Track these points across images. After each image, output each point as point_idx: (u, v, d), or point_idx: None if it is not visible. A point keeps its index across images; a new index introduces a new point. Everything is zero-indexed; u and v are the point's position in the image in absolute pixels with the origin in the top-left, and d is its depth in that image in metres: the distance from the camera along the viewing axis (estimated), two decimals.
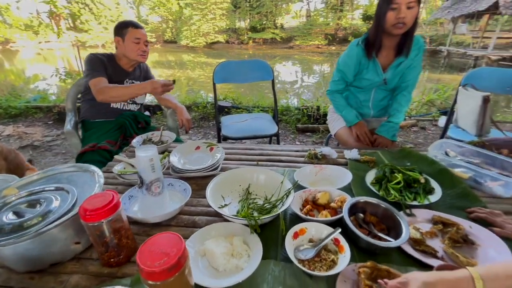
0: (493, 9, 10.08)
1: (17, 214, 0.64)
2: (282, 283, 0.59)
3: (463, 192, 0.90)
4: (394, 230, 0.71)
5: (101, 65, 1.48)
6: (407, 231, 0.67)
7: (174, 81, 1.38)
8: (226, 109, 3.26)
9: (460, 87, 1.69)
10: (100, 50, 4.23)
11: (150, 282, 0.45)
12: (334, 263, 0.63)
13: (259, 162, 1.14)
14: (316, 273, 0.59)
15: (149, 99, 3.38)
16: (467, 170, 0.99)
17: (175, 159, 1.04)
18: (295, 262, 0.61)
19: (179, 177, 0.97)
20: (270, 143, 2.14)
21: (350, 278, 0.60)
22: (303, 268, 0.60)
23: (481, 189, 0.94)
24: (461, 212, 0.82)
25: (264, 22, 24.41)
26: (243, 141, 2.29)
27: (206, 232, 0.70)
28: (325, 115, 3.06)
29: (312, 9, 26.51)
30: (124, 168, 0.99)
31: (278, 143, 1.93)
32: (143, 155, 0.73)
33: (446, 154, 1.13)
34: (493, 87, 1.66)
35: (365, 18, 22.90)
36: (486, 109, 1.47)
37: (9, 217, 0.62)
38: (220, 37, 23.03)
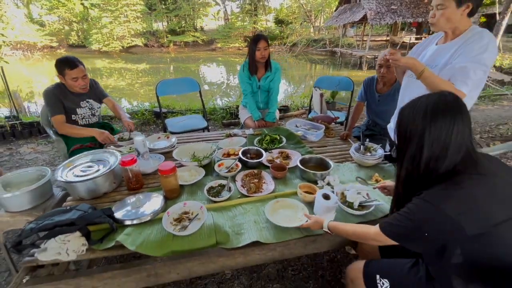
0: (365, 20, 13.16)
1: (83, 171, 1.31)
2: (213, 181, 1.45)
3: (296, 141, 1.94)
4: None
5: (57, 101, 1.80)
6: (265, 157, 1.62)
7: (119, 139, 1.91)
8: (163, 114, 3.89)
9: (313, 88, 2.86)
10: None
11: (164, 175, 1.24)
12: (235, 171, 1.52)
13: (198, 141, 1.96)
14: (228, 173, 1.47)
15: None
16: (301, 131, 2.05)
17: (147, 144, 1.77)
18: (220, 173, 1.48)
19: (153, 153, 1.72)
20: None
21: (240, 175, 1.50)
22: (224, 174, 1.47)
23: (305, 139, 2.00)
24: (293, 150, 1.83)
25: (183, 25, 24.34)
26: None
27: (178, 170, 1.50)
28: None
29: (229, 12, 27.76)
30: None
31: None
32: (139, 138, 1.48)
33: (296, 125, 2.19)
34: (328, 87, 2.90)
35: (277, 22, 25.57)
36: (322, 100, 2.64)
37: (79, 172, 1.30)
38: (137, 41, 21.93)
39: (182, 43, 23.71)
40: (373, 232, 0.88)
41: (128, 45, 21.52)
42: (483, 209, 0.74)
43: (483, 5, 12.89)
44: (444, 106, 0.79)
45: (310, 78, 12.32)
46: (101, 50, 20.69)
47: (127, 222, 1.11)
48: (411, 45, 13.97)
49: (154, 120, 3.96)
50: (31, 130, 3.42)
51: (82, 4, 22.59)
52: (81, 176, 1.28)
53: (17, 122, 3.39)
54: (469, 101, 1.27)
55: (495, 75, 8.75)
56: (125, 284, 1.00)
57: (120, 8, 20.83)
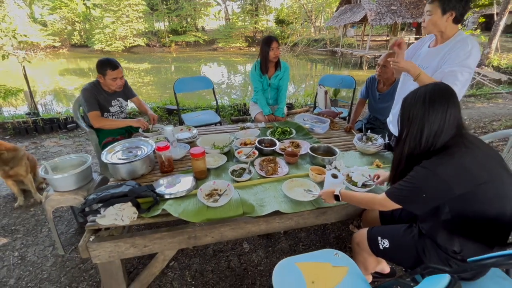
0: (365, 20, 13.36)
1: (124, 155, 1.52)
2: (235, 165, 1.65)
3: (304, 133, 2.15)
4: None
5: (93, 98, 1.95)
6: (278, 146, 1.83)
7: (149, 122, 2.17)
8: (174, 111, 4.10)
9: (318, 86, 3.07)
10: None
11: (194, 158, 1.45)
12: (253, 157, 1.72)
13: (216, 133, 2.17)
14: (247, 159, 1.68)
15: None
16: (308, 125, 2.25)
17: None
18: (240, 159, 1.68)
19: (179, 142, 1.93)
20: None
21: (258, 161, 1.71)
22: (244, 160, 1.68)
23: (312, 131, 2.21)
24: (302, 140, 2.03)
25: (184, 25, 24.49)
26: None
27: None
28: None
29: (230, 12, 27.91)
30: None
31: None
32: (169, 128, 1.69)
33: (304, 119, 2.40)
34: (332, 85, 3.11)
35: (278, 22, 25.75)
36: (326, 97, 2.85)
37: (121, 156, 1.51)
38: (139, 41, 22.09)
39: (183, 43, 23.90)
40: (379, 198, 1.07)
41: (130, 45, 21.69)
42: (469, 173, 0.92)
43: (482, 5, 13.10)
44: (439, 93, 0.99)
45: (311, 78, 12.52)
46: (103, 50, 20.86)
47: (167, 197, 1.32)
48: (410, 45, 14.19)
49: (167, 116, 4.17)
50: (51, 126, 3.62)
51: (85, 4, 22.79)
52: (123, 159, 1.49)
53: (38, 118, 3.60)
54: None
55: (492, 74, 8.96)
56: (170, 244, 1.20)
57: (123, 8, 20.97)
